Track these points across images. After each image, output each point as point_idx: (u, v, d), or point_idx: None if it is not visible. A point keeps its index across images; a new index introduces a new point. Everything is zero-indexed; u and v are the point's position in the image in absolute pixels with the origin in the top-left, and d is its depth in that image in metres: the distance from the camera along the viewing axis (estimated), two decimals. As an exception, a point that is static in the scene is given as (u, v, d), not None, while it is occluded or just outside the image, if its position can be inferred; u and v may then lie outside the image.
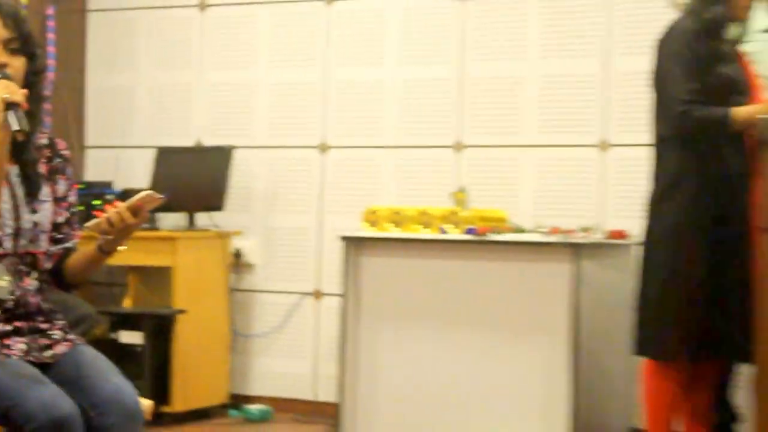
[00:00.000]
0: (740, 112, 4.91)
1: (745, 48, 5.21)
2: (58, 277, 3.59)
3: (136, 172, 7.20)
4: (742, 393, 5.38)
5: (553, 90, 6.54)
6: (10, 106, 3.18)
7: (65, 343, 3.44)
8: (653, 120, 5.12)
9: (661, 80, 5.06)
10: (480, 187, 6.52)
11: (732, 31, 5.08)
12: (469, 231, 5.86)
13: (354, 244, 6.09)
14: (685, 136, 4.98)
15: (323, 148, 7.03)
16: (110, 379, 3.36)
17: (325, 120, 7.04)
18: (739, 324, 4.90)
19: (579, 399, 5.63)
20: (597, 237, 5.91)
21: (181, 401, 6.59)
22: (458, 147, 6.73)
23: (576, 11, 6.49)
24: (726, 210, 5.00)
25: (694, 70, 4.96)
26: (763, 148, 4.74)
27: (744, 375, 5.27)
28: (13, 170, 3.43)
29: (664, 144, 5.08)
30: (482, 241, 5.83)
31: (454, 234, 5.91)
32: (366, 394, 6.03)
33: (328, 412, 6.34)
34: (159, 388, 6.48)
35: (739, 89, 5.05)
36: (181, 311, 6.57)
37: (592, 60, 6.45)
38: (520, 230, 5.97)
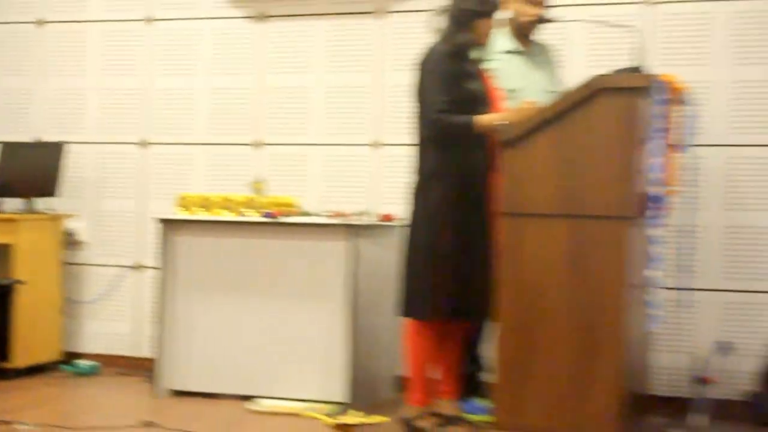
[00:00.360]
0: (482, 119, 5.01)
1: (487, 66, 5.32)
2: None
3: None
4: (487, 346, 5.50)
5: (336, 98, 6.57)
6: None
7: None
8: (415, 124, 5.17)
9: (420, 92, 5.12)
10: (276, 178, 6.51)
11: (476, 53, 5.18)
12: (265, 214, 5.87)
13: (169, 225, 6.03)
14: (440, 138, 5.07)
15: (144, 144, 6.95)
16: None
17: (146, 120, 6.95)
18: (484, 290, 5.01)
19: (355, 353, 5.67)
20: (370, 219, 5.94)
21: (20, 358, 6.44)
22: (257, 145, 6.72)
23: (354, 33, 6.54)
24: (473, 198, 5.08)
25: (446, 85, 5.03)
26: (501, 148, 4.85)
27: (488, 332, 5.38)
28: None
29: (423, 144, 5.13)
30: (276, 223, 5.83)
31: (253, 217, 5.92)
32: (179, 351, 5.97)
33: (147, 366, 6.27)
34: (1, 347, 6.35)
35: (482, 101, 5.13)
36: (20, 282, 6.42)
37: (367, 74, 6.52)
38: (308, 214, 5.98)
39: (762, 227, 5.86)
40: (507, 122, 4.87)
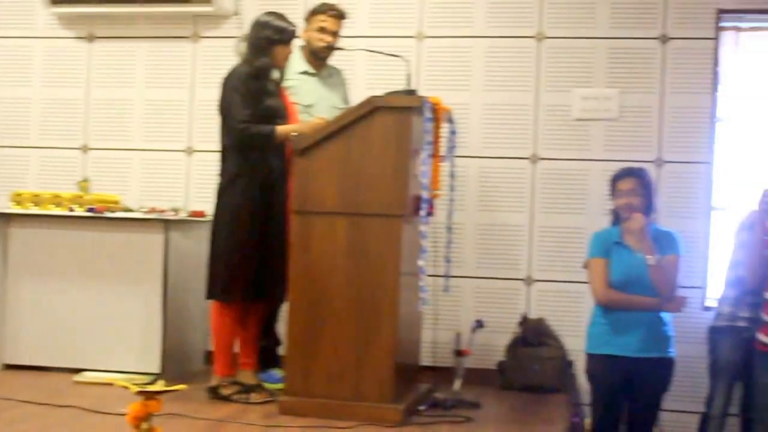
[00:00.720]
0: (281, 129, 5.01)
1: (285, 85, 5.33)
2: None
3: None
4: (281, 324, 5.51)
5: (155, 110, 6.49)
6: None
7: None
8: (220, 134, 5.15)
9: (225, 107, 5.07)
10: (101, 179, 6.39)
11: (275, 74, 5.17)
12: (90, 209, 5.73)
13: (4, 218, 5.82)
14: (243, 145, 5.03)
15: (-19, 148, 6.74)
16: None
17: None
18: (279, 276, 5.01)
19: (168, 330, 5.62)
20: (183, 215, 5.88)
21: None
22: (85, 149, 6.56)
23: (172, 54, 6.47)
24: (270, 197, 5.07)
25: (248, 101, 5.01)
26: (295, 155, 4.86)
27: (283, 311, 5.38)
28: None
29: (226, 151, 5.11)
30: (100, 217, 5.70)
31: (79, 212, 5.77)
32: (13, 329, 5.76)
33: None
34: None
35: (281, 115, 5.12)
36: None
37: (182, 90, 6.45)
38: (129, 209, 5.87)
39: (508, 225, 6.05)
40: (301, 133, 4.88)
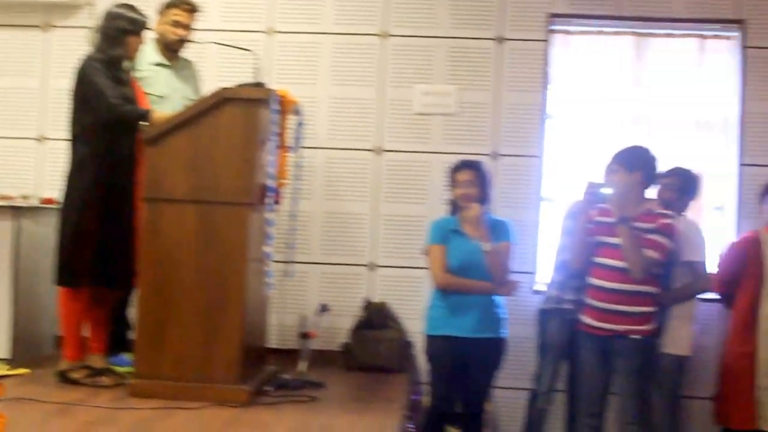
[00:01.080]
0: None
1: (138, 76, 5.22)
2: None
3: None
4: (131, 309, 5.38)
5: (5, 98, 6.23)
6: None
7: None
8: (70, 121, 4.99)
9: (87, 90, 4.88)
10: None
11: (127, 65, 5.06)
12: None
13: None
14: (116, 122, 4.85)
15: None
16: None
17: None
18: (127, 261, 4.90)
19: (17, 316, 5.44)
20: (33, 202, 5.69)
21: None
22: (-67, 135, 6.30)
23: (22, 43, 6.23)
24: (120, 184, 4.93)
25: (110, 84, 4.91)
26: (145, 144, 4.76)
27: (133, 296, 5.25)
28: None
29: (75, 139, 4.97)
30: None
31: (-73, 198, 5.52)
32: None
33: None
34: None
35: (133, 104, 5.00)
36: None
37: (35, 78, 6.22)
38: (-23, 197, 5.67)
39: (352, 214, 6.07)
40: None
